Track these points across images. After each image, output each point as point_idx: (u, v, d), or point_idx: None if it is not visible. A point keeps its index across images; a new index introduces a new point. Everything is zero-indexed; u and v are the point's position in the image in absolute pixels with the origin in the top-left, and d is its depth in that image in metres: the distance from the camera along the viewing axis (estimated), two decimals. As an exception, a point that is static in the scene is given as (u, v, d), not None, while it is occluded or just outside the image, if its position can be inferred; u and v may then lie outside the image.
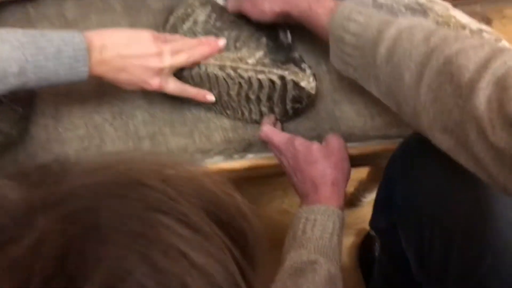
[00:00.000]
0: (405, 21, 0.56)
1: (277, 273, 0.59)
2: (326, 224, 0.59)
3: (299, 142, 0.65)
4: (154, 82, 0.63)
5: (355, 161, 0.75)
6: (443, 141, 0.51)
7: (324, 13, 0.61)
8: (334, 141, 0.66)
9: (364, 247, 1.11)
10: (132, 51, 0.61)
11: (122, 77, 0.62)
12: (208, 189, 0.30)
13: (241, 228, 0.30)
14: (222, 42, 0.68)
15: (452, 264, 0.60)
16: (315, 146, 0.65)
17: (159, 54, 0.62)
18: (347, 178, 0.66)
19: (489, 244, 0.58)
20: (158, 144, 0.71)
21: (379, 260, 0.89)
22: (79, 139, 0.72)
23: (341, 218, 0.62)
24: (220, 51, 0.68)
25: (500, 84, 0.45)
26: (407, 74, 0.52)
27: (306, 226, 0.60)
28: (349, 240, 1.15)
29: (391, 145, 0.72)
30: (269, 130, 0.68)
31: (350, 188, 1.16)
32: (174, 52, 0.64)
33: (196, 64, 0.67)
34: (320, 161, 0.64)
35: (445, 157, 0.59)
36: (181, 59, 0.65)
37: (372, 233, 1.11)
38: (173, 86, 0.66)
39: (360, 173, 1.09)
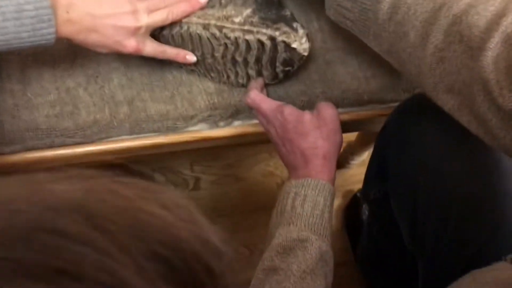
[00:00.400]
0: None
1: (265, 248, 0.56)
2: (317, 200, 0.56)
3: (289, 111, 0.60)
4: (130, 44, 0.58)
5: (348, 127, 0.72)
6: (447, 101, 0.48)
7: None
8: (326, 110, 0.61)
9: (351, 209, 1.10)
10: (104, 9, 0.55)
11: (93, 39, 0.56)
12: (154, 222, 0.21)
13: (208, 270, 0.22)
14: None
15: (448, 237, 0.58)
16: (307, 115, 0.60)
17: (134, 12, 0.56)
18: (339, 150, 0.62)
19: (488, 217, 0.56)
20: (137, 110, 0.66)
21: (369, 227, 0.87)
22: (50, 105, 0.66)
23: (332, 193, 0.58)
24: (202, 8, 0.62)
25: (509, 43, 0.41)
26: (412, 33, 0.48)
27: (296, 201, 0.56)
28: (336, 202, 1.12)
29: (386, 110, 0.68)
30: (257, 96, 0.63)
31: (338, 149, 1.13)
32: (151, 10, 0.58)
33: (177, 23, 0.61)
34: (312, 132, 0.59)
35: (442, 125, 0.55)
36: (158, 17, 0.59)
37: (359, 195, 1.09)
38: (151, 47, 0.60)
39: (350, 135, 1.06)
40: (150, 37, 0.60)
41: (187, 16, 0.61)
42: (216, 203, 1.10)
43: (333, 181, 0.60)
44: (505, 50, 0.41)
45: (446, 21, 0.45)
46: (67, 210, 0.19)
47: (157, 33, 0.62)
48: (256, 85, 0.65)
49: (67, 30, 0.54)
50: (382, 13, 0.51)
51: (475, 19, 0.43)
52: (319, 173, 0.58)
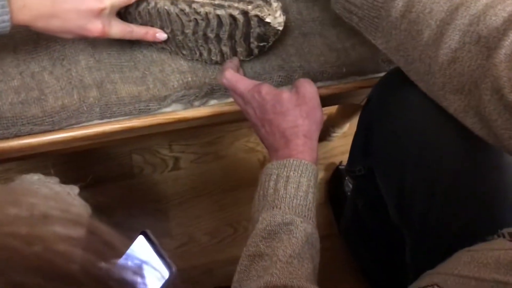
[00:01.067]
0: None
1: (249, 234, 0.55)
2: (300, 181, 0.54)
3: (267, 90, 0.57)
4: (95, 27, 0.54)
5: (328, 101, 0.70)
6: (453, 102, 0.47)
7: None
8: (305, 87, 0.58)
9: (334, 182, 1.09)
10: None
11: (55, 25, 0.52)
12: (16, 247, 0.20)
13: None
14: None
15: (435, 211, 0.57)
16: (285, 94, 0.57)
17: None
18: (320, 128, 0.59)
19: (476, 191, 0.55)
20: (107, 93, 0.63)
21: (353, 201, 0.87)
22: (14, 91, 0.62)
23: (315, 174, 0.56)
24: None
25: None
26: (426, 32, 0.46)
27: (278, 183, 0.54)
28: (319, 175, 1.12)
29: (366, 82, 0.66)
30: (232, 76, 0.60)
31: (319, 122, 1.12)
32: None
33: (143, -1, 0.58)
34: (291, 111, 0.56)
35: (428, 98, 0.54)
36: None
37: (342, 166, 1.09)
38: (118, 28, 0.57)
39: (330, 108, 1.04)
40: (116, 18, 0.57)
41: None
42: (197, 182, 1.08)
43: (315, 160, 0.57)
44: None
45: (463, 21, 0.44)
46: None
47: (123, 12, 0.59)
48: (231, 64, 0.62)
49: (24, 17, 0.50)
50: (395, 10, 0.49)
51: (493, 20, 0.42)
52: (301, 153, 0.56)
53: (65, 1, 0.51)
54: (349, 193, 1.02)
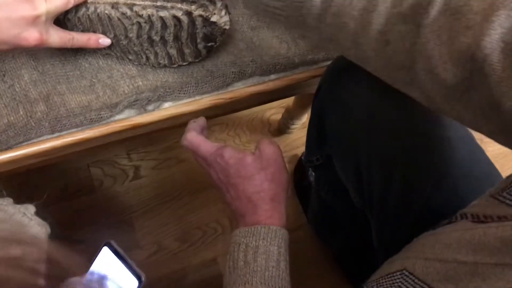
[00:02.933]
0: None
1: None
2: (270, 250, 0.51)
3: (229, 154, 0.56)
4: (31, 36, 0.51)
5: (283, 92, 0.70)
6: (397, 79, 0.46)
7: None
8: (269, 149, 0.57)
9: (298, 173, 1.09)
10: None
11: None
12: None
13: None
14: None
15: (394, 191, 0.58)
16: (249, 158, 0.56)
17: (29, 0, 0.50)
18: (287, 190, 0.58)
19: (430, 166, 0.56)
20: (55, 106, 0.60)
21: (317, 190, 0.87)
22: (-46, 113, 0.59)
23: (286, 239, 0.54)
24: None
25: (451, 12, 0.39)
26: (351, 23, 0.45)
27: (247, 255, 0.52)
28: (282, 169, 1.12)
29: (319, 70, 0.67)
30: (194, 138, 0.58)
31: (278, 116, 1.12)
32: None
33: (82, 4, 0.55)
34: (256, 175, 0.55)
35: (374, 81, 0.54)
36: (59, 2, 0.53)
37: (304, 159, 1.09)
38: (57, 36, 0.54)
39: (286, 100, 1.04)
40: (53, 25, 0.54)
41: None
42: (160, 189, 1.06)
43: (284, 223, 0.55)
44: (447, 21, 0.39)
45: (386, 5, 0.43)
46: None
47: (62, 18, 0.56)
48: (194, 125, 0.60)
49: None
50: (316, 7, 0.47)
51: None
52: (269, 218, 0.54)
53: None
54: (313, 183, 1.02)
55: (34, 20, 0.51)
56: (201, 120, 0.61)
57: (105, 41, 0.58)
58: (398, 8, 0.43)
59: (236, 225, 0.56)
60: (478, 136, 0.55)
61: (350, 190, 0.66)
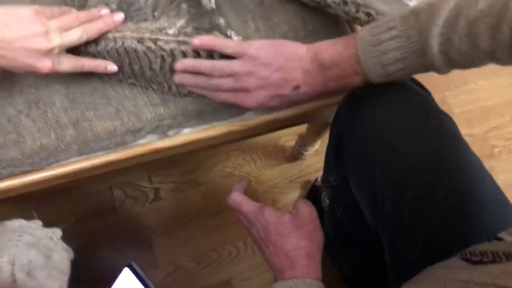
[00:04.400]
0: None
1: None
2: None
3: (269, 212, 0.61)
4: (44, 65, 0.56)
5: (294, 121, 0.74)
6: None
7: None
8: (305, 209, 0.63)
9: (311, 199, 1.12)
10: (11, 32, 0.53)
11: (4, 63, 0.55)
12: None
13: None
14: (118, 17, 0.62)
15: (406, 211, 0.60)
16: (287, 216, 0.61)
17: (46, 33, 0.55)
18: (322, 247, 0.63)
19: (441, 188, 0.58)
20: (83, 131, 0.65)
21: (331, 212, 0.90)
22: (-7, 136, 0.64)
23: None
24: (117, 25, 0.62)
25: None
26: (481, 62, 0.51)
27: None
28: (296, 194, 1.16)
29: (330, 100, 0.70)
30: (238, 197, 0.64)
31: (292, 142, 1.16)
32: (64, 29, 0.57)
33: (110, 38, 0.61)
34: (293, 232, 0.60)
35: (390, 106, 0.58)
36: (73, 37, 0.58)
37: (318, 183, 1.12)
38: (68, 63, 0.59)
39: (300, 127, 1.08)
40: (65, 54, 0.59)
41: (103, 34, 0.61)
42: (178, 210, 1.10)
43: (320, 278, 0.59)
44: None
45: (501, 52, 0.48)
46: None
47: (82, 50, 0.62)
48: (238, 186, 0.66)
49: None
50: (445, 72, 0.53)
51: None
52: (305, 274, 0.58)
53: (14, 40, 0.53)
54: (326, 209, 1.05)
55: (48, 52, 0.56)
56: (244, 183, 0.68)
57: (112, 67, 0.63)
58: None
59: (274, 279, 0.61)
60: (488, 165, 0.57)
61: (364, 210, 0.69)
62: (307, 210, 0.63)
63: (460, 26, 0.49)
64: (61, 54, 0.59)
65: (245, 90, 0.59)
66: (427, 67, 0.54)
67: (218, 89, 0.61)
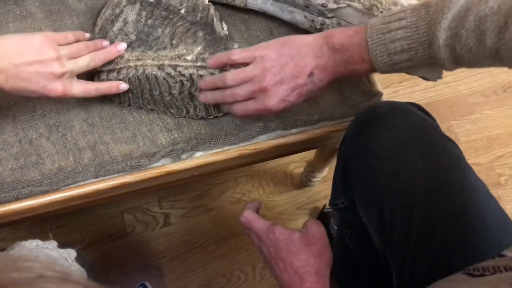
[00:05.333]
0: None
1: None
2: None
3: (280, 230, 0.63)
4: (56, 88, 0.60)
5: (303, 145, 0.76)
6: None
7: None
8: (314, 228, 0.64)
9: (319, 225, 1.13)
10: (26, 57, 0.57)
11: (20, 86, 0.58)
12: None
13: None
14: (121, 46, 0.66)
15: (413, 234, 0.61)
16: (297, 234, 0.63)
17: (58, 59, 0.59)
18: (330, 265, 0.64)
19: (447, 211, 0.60)
20: (100, 154, 0.68)
21: (339, 237, 0.91)
22: (14, 157, 0.67)
23: None
24: (120, 53, 0.66)
25: None
26: (486, 61, 0.53)
27: None
28: (304, 220, 1.16)
29: (336, 126, 0.73)
30: (250, 215, 0.66)
31: (301, 169, 1.18)
32: (74, 56, 0.61)
33: (131, 67, 0.64)
34: (303, 250, 0.61)
35: (395, 132, 0.60)
36: (82, 63, 0.62)
37: (327, 210, 1.13)
38: (80, 88, 0.63)
39: (308, 154, 1.11)
40: (77, 79, 0.63)
41: (108, 62, 0.65)
42: (188, 236, 1.12)
43: None
44: None
45: (505, 50, 0.49)
46: None
47: (104, 79, 0.66)
48: (251, 205, 0.69)
49: None
50: (448, 68, 0.55)
51: None
52: None
53: (28, 65, 0.57)
54: (334, 235, 1.06)
55: (60, 76, 0.59)
56: (257, 203, 0.70)
57: (124, 86, 0.66)
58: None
59: None
60: (496, 194, 0.58)
61: (372, 234, 0.70)
62: (317, 229, 0.64)
63: (468, 21, 0.51)
64: (73, 78, 0.62)
65: (264, 90, 0.61)
66: (432, 61, 0.55)
67: (235, 98, 0.63)
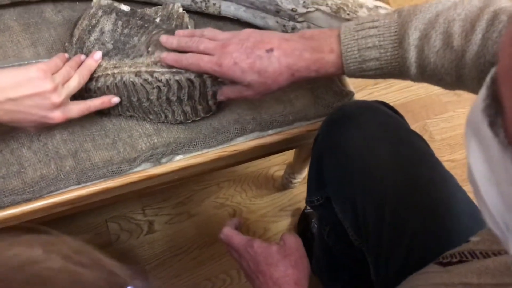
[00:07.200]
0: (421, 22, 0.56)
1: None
2: None
3: (258, 244, 0.66)
4: (57, 116, 0.62)
5: (280, 146, 0.78)
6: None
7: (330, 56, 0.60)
8: (291, 239, 0.67)
9: (301, 226, 1.15)
10: (23, 92, 0.58)
11: (19, 118, 0.60)
12: (46, 273, 0.24)
13: None
14: (97, 55, 0.67)
15: (386, 227, 0.64)
16: (274, 247, 0.66)
17: (55, 89, 0.60)
18: (309, 275, 0.66)
19: (417, 203, 0.62)
20: (82, 161, 0.70)
21: (319, 234, 0.93)
22: (-4, 168, 0.68)
23: None
24: (98, 62, 0.67)
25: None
26: (447, 78, 0.56)
27: None
28: (286, 222, 1.19)
29: (311, 126, 0.76)
30: (229, 232, 0.69)
31: (281, 172, 1.20)
32: (66, 80, 0.63)
33: (109, 75, 0.66)
34: (281, 261, 0.64)
35: (364, 130, 0.62)
36: (74, 84, 0.64)
37: (308, 210, 1.16)
38: (76, 109, 0.64)
39: (287, 156, 1.13)
40: (70, 102, 0.64)
41: (92, 73, 0.67)
42: (173, 242, 1.13)
43: None
44: None
45: (470, 55, 0.52)
46: None
47: (83, 88, 0.67)
48: (230, 223, 0.72)
49: None
50: (412, 74, 0.58)
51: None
52: None
53: (26, 99, 0.58)
54: (316, 226, 1.08)
55: (59, 105, 0.61)
56: (236, 220, 0.73)
57: (115, 99, 0.68)
58: (484, 50, 0.52)
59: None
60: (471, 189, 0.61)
61: (348, 229, 0.72)
62: (293, 240, 0.67)
63: (438, 23, 0.54)
64: (68, 102, 0.64)
65: (224, 46, 0.61)
66: (400, 63, 0.57)
67: (197, 45, 0.63)
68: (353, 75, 0.61)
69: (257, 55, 0.60)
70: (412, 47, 0.55)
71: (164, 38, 0.66)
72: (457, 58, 0.54)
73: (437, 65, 0.55)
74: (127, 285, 0.27)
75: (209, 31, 0.65)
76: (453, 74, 0.55)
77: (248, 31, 0.63)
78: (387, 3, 0.70)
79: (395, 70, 0.58)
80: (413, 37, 0.55)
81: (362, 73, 0.60)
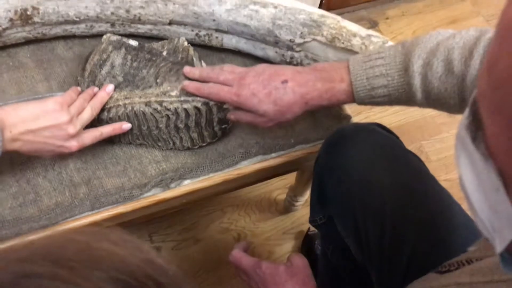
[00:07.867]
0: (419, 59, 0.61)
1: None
2: None
3: (266, 265, 0.69)
4: (72, 145, 0.66)
5: (283, 168, 0.82)
6: None
7: (341, 87, 0.64)
8: (298, 260, 0.70)
9: (305, 248, 1.18)
10: (42, 123, 0.62)
11: (36, 148, 0.64)
12: (108, 256, 0.27)
13: (157, 284, 0.28)
14: (109, 88, 0.71)
15: (386, 244, 0.67)
16: (281, 267, 0.69)
17: (70, 121, 0.64)
18: None
19: (416, 218, 0.65)
20: (95, 188, 0.73)
21: (323, 253, 0.96)
22: (13, 197, 0.72)
23: None
24: (110, 94, 0.72)
25: None
26: (451, 101, 0.60)
27: None
28: (290, 244, 1.21)
29: (312, 148, 0.80)
30: (238, 253, 0.72)
31: (283, 195, 1.23)
32: (79, 112, 0.67)
33: (121, 105, 0.71)
34: (289, 281, 0.67)
35: (363, 150, 0.66)
36: (87, 116, 0.68)
37: (311, 232, 1.18)
38: (89, 137, 0.68)
39: (289, 179, 1.17)
40: (83, 131, 0.69)
41: (104, 104, 0.71)
42: (180, 267, 1.14)
43: None
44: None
45: (470, 79, 0.57)
46: (38, 259, 0.26)
47: (96, 119, 0.71)
48: (239, 245, 0.75)
49: (13, 146, 0.62)
50: (418, 99, 0.62)
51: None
52: None
53: (44, 130, 0.63)
54: (320, 245, 1.10)
55: (75, 135, 0.66)
56: (245, 243, 0.76)
57: (127, 125, 0.72)
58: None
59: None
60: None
61: (351, 246, 0.75)
62: (300, 261, 0.70)
63: (439, 51, 0.59)
64: (82, 132, 0.68)
65: (241, 79, 0.66)
66: (406, 89, 0.62)
67: (217, 77, 0.68)
68: (362, 101, 0.66)
69: (273, 86, 0.65)
70: (417, 74, 0.60)
71: (187, 69, 0.71)
72: (459, 82, 0.58)
73: (440, 90, 0.60)
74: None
75: (228, 66, 0.70)
76: (456, 98, 0.59)
77: (263, 65, 0.68)
78: (379, 31, 0.75)
79: (402, 96, 0.63)
80: (417, 65, 0.60)
81: (371, 100, 0.65)
